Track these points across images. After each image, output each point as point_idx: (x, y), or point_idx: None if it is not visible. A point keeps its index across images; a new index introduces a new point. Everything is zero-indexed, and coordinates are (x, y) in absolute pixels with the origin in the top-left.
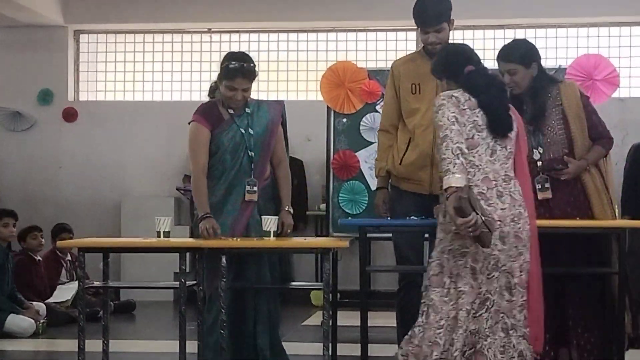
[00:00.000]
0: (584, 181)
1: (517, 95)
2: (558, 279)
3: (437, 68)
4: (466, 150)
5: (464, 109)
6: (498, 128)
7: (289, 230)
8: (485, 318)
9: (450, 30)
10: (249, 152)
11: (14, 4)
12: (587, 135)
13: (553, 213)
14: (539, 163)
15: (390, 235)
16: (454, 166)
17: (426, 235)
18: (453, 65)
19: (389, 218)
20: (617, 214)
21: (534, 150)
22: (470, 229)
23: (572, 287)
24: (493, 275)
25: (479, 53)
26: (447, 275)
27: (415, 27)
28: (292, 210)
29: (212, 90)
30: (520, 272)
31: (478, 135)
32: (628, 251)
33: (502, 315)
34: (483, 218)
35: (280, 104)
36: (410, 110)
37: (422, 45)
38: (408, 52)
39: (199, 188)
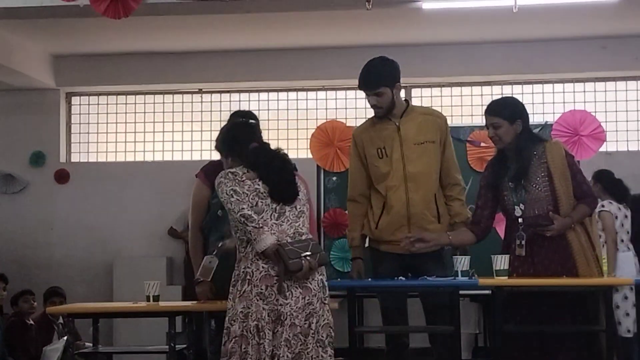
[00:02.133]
0: (568, 239)
1: (502, 152)
2: (543, 338)
3: (223, 146)
4: (251, 213)
5: (243, 180)
6: (281, 196)
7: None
8: None
9: (393, 95)
10: None
11: (6, 68)
12: (572, 194)
13: (537, 269)
14: (520, 220)
15: None
16: (251, 233)
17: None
18: (238, 144)
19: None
20: (603, 271)
21: (515, 207)
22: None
23: (558, 345)
24: (277, 330)
25: (467, 109)
26: (233, 342)
27: (403, 85)
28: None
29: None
30: (306, 320)
31: (262, 202)
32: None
33: None
34: (306, 255)
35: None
36: (381, 174)
37: None
38: None
39: (195, 248)
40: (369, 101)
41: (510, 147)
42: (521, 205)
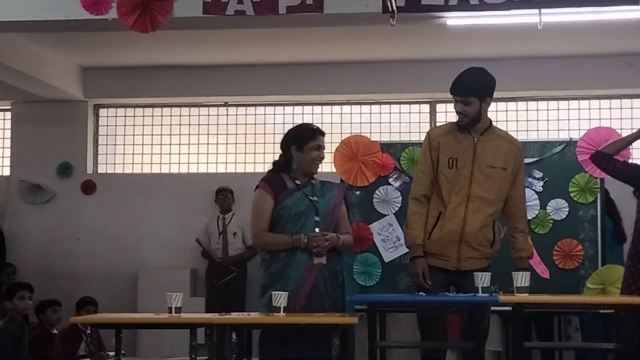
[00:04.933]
0: None
1: None
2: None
3: None
4: None
5: None
6: None
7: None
8: None
9: (481, 108)
10: (316, 217)
11: (37, 81)
12: None
13: None
14: None
15: (409, 308)
16: None
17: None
18: None
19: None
20: None
21: None
22: None
23: None
24: None
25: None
26: None
27: (428, 100)
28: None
29: (276, 165)
30: None
31: None
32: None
33: None
34: None
35: (343, 185)
36: (448, 184)
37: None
38: (422, 125)
39: (268, 237)
40: (455, 107)
41: None
42: None
